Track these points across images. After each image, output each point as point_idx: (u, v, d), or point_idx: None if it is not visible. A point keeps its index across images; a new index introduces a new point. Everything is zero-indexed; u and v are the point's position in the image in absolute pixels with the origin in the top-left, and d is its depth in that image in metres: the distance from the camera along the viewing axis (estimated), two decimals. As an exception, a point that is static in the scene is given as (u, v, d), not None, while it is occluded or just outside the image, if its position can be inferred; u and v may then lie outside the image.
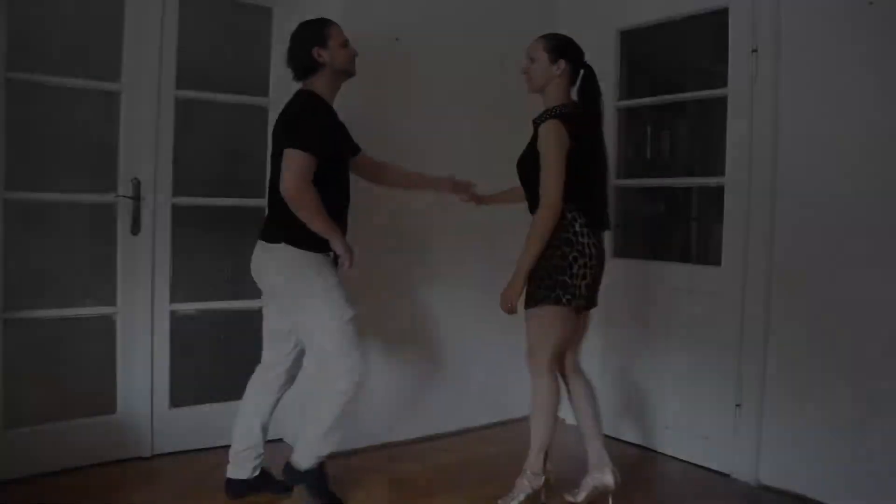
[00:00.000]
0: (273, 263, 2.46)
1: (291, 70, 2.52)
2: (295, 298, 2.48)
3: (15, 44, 2.60)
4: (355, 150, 2.72)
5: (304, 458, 2.53)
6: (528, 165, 2.44)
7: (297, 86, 2.48)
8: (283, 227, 2.41)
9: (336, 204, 2.49)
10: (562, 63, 2.43)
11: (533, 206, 2.44)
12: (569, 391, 2.59)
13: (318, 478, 2.55)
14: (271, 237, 2.46)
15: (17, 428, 2.65)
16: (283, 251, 2.43)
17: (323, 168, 2.38)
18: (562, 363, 2.57)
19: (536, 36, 2.51)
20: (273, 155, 2.44)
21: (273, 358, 2.61)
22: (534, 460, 2.48)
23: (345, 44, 2.50)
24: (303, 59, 2.47)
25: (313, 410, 2.50)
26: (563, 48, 2.45)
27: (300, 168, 2.31)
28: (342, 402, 2.44)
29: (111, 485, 2.63)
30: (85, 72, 2.75)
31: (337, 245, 2.43)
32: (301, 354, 2.64)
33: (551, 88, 2.45)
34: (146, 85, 2.84)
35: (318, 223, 2.37)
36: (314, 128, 2.38)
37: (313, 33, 2.48)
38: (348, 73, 2.54)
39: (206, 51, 3.04)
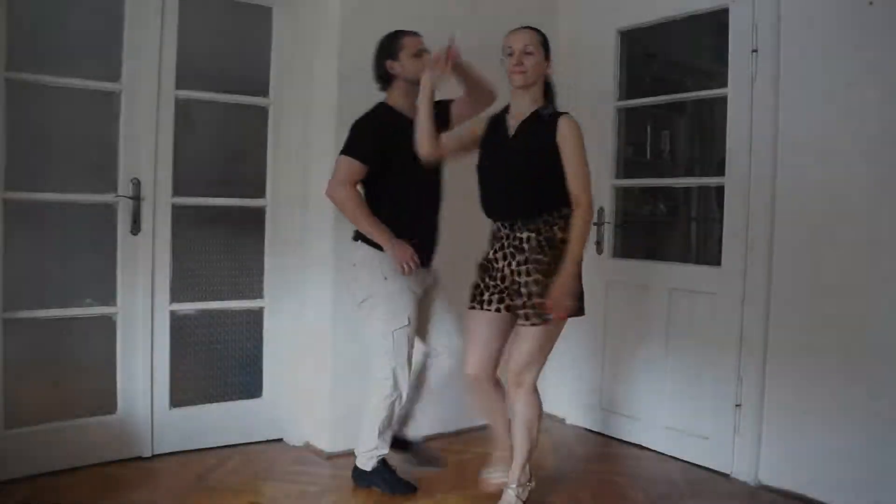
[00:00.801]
0: (353, 260, 2.57)
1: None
2: (362, 295, 2.55)
3: (15, 44, 2.59)
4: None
5: (365, 461, 2.65)
6: (545, 159, 2.25)
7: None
8: None
9: (408, 210, 2.53)
10: (550, 61, 2.37)
11: (531, 202, 2.28)
12: (496, 395, 2.49)
13: (386, 474, 2.66)
14: (354, 235, 2.57)
15: (17, 428, 2.64)
16: (359, 249, 2.53)
17: (387, 176, 2.47)
18: (490, 368, 2.44)
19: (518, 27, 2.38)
20: None
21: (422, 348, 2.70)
22: (520, 473, 2.43)
23: (418, 54, 2.54)
24: (378, 71, 2.59)
25: (366, 413, 2.61)
26: (548, 46, 2.37)
27: (339, 172, 2.46)
28: (387, 404, 2.56)
29: (111, 485, 2.63)
30: (85, 72, 2.75)
31: (387, 248, 2.45)
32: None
33: (539, 86, 2.36)
34: (146, 85, 2.83)
35: (362, 224, 2.47)
36: (366, 136, 2.48)
37: (386, 46, 2.57)
38: None
39: (206, 51, 3.03)
